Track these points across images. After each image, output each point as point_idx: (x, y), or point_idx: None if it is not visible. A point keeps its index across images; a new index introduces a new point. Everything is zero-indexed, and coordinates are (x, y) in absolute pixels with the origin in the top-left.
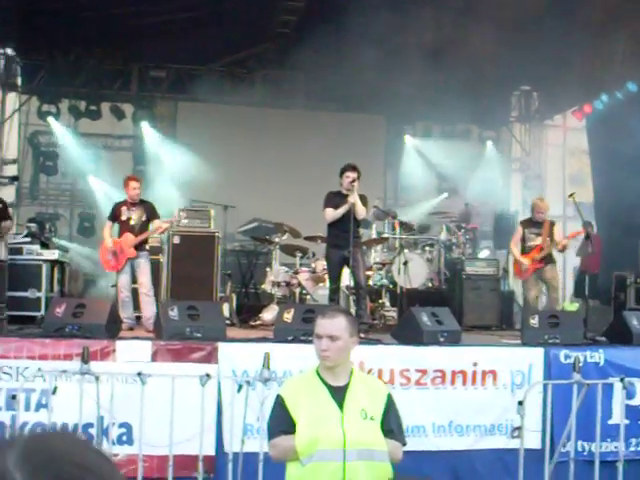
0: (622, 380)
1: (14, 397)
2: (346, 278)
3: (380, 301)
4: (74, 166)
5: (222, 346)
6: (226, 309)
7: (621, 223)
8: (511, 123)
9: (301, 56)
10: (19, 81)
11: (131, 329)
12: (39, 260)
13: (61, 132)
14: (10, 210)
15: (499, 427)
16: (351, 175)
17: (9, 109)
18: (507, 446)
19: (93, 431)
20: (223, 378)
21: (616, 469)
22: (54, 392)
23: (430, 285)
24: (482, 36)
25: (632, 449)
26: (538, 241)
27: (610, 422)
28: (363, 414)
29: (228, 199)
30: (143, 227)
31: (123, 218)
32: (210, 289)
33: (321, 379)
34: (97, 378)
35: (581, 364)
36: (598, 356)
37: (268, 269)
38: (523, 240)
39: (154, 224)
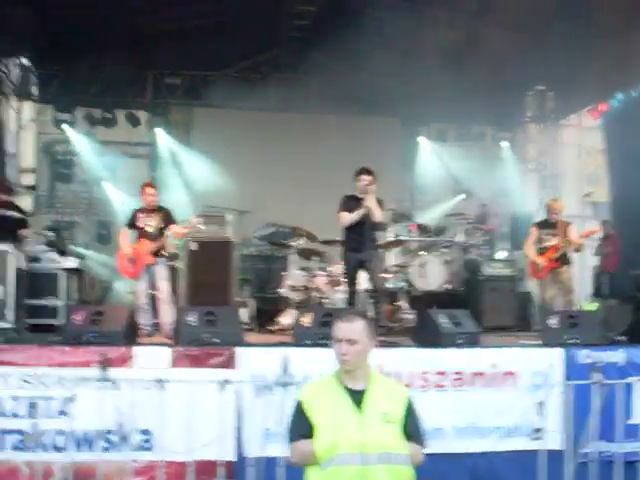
0: None
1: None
2: (364, 281)
3: (398, 304)
4: (90, 174)
5: (240, 351)
6: (244, 314)
7: (638, 221)
8: (526, 123)
9: (314, 60)
10: (34, 90)
11: (149, 335)
12: (57, 268)
13: (77, 140)
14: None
15: (519, 428)
16: (365, 178)
17: (25, 118)
18: (528, 447)
19: (113, 438)
20: (242, 383)
21: (637, 469)
22: (74, 400)
23: (448, 287)
24: (496, 37)
25: None
26: (554, 241)
27: (630, 422)
28: (383, 417)
29: (244, 204)
30: (160, 234)
31: (140, 225)
32: (227, 294)
33: (340, 383)
34: (116, 385)
35: (601, 364)
36: (618, 356)
37: (285, 273)
38: (539, 241)
39: (172, 230)
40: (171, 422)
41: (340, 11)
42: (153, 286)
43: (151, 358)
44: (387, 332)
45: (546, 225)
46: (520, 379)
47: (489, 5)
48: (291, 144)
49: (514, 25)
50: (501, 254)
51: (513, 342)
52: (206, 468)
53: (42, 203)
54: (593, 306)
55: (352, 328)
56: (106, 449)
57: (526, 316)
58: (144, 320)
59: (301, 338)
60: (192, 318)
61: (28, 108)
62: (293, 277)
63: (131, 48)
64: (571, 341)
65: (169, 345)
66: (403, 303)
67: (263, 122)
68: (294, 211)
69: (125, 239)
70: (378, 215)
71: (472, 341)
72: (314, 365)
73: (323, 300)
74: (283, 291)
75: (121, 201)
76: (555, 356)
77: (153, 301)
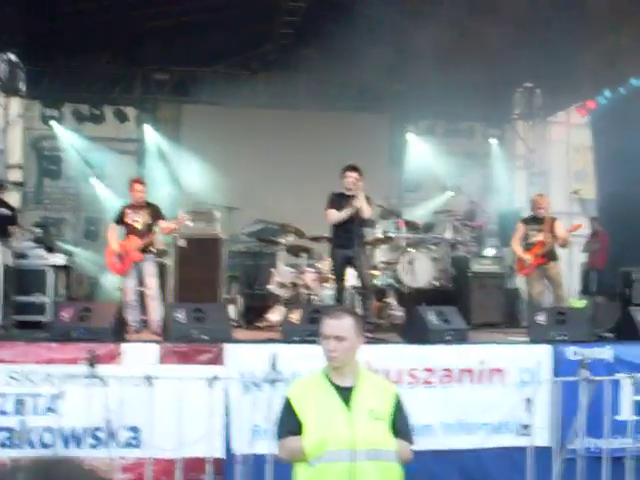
0: (632, 377)
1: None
2: (352, 278)
3: (386, 300)
4: (78, 170)
5: (228, 348)
6: (232, 311)
7: (625, 218)
8: (514, 120)
9: (304, 56)
10: (22, 86)
11: (137, 332)
12: (45, 265)
13: (65, 136)
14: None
15: (507, 425)
16: (352, 175)
17: (12, 114)
18: (515, 444)
19: (101, 435)
20: (230, 380)
21: (624, 465)
22: (61, 397)
23: (436, 284)
24: (485, 35)
25: None
26: (540, 237)
27: (618, 418)
28: (371, 414)
29: (232, 201)
30: (149, 230)
31: (128, 221)
32: (216, 291)
33: (328, 380)
34: (104, 381)
35: (589, 361)
36: (606, 352)
37: (274, 270)
38: (525, 237)
39: (160, 225)
40: (159, 419)
41: (330, 8)
42: (141, 283)
43: (139, 355)
44: (375, 329)
45: (532, 221)
46: (508, 376)
47: (478, 3)
48: (280, 141)
49: (503, 22)
50: (489, 251)
51: (501, 339)
52: (194, 465)
53: (29, 199)
54: (581, 303)
55: (340, 325)
56: (94, 446)
57: (514, 313)
58: (132, 317)
59: (289, 335)
60: (180, 315)
61: (16, 104)
62: (281, 274)
63: (119, 44)
64: (559, 338)
65: (157, 342)
66: (391, 300)
67: (252, 119)
68: (283, 208)
69: (113, 235)
70: (366, 212)
71: (460, 338)
72: (302, 362)
73: (311, 297)
74: (271, 288)
75: (109, 197)
76: (543, 353)
77: (141, 298)
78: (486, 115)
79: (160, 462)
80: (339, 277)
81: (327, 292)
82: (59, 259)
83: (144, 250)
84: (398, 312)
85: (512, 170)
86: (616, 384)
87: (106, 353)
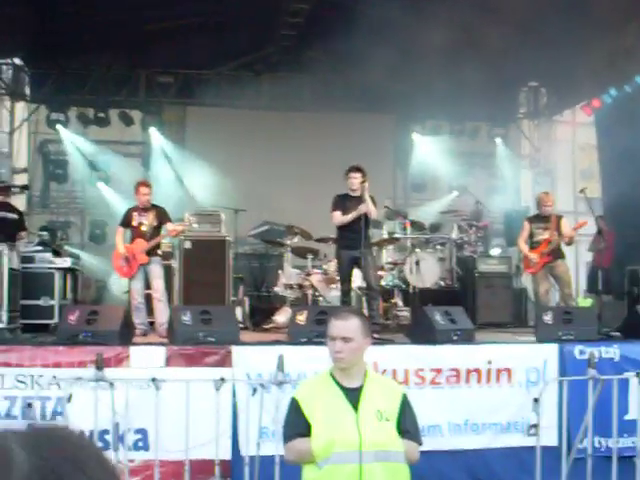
0: (638, 375)
1: (30, 405)
2: (358, 279)
3: (393, 301)
4: (84, 173)
5: (236, 350)
6: (239, 313)
7: (631, 217)
8: (520, 120)
9: (308, 58)
10: (27, 90)
11: (144, 335)
12: (51, 268)
13: (70, 140)
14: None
15: (515, 425)
16: (356, 176)
17: (18, 118)
18: (523, 444)
19: (109, 437)
20: (237, 382)
21: (634, 464)
22: (69, 400)
23: (442, 284)
24: (490, 34)
25: None
26: (546, 235)
27: (627, 417)
28: (378, 415)
29: (238, 202)
30: (155, 232)
31: (135, 224)
32: (222, 293)
33: (335, 381)
34: (111, 384)
35: (596, 360)
36: (613, 351)
37: (280, 272)
38: (531, 236)
39: (167, 227)
40: (167, 421)
41: (334, 9)
42: (148, 285)
43: (146, 357)
44: (382, 329)
45: (538, 219)
46: (515, 375)
47: (483, 2)
48: (285, 142)
49: (508, 22)
50: (495, 251)
51: (508, 338)
52: (202, 467)
53: (36, 203)
54: (588, 302)
55: (347, 326)
56: (102, 449)
57: (520, 312)
58: (139, 319)
59: (296, 336)
60: (187, 317)
61: (21, 108)
62: (288, 275)
63: (124, 47)
64: (566, 337)
65: (164, 344)
66: (398, 300)
67: (257, 120)
68: (288, 209)
69: (120, 238)
70: (372, 212)
71: (467, 338)
72: (309, 363)
73: (318, 298)
74: (278, 289)
75: (115, 200)
76: (550, 352)
77: (148, 300)
78: (491, 115)
79: (168, 464)
80: (345, 278)
81: (334, 293)
82: (66, 262)
83: (150, 253)
84: (405, 312)
85: (518, 169)
86: (623, 383)
87: (113, 356)
